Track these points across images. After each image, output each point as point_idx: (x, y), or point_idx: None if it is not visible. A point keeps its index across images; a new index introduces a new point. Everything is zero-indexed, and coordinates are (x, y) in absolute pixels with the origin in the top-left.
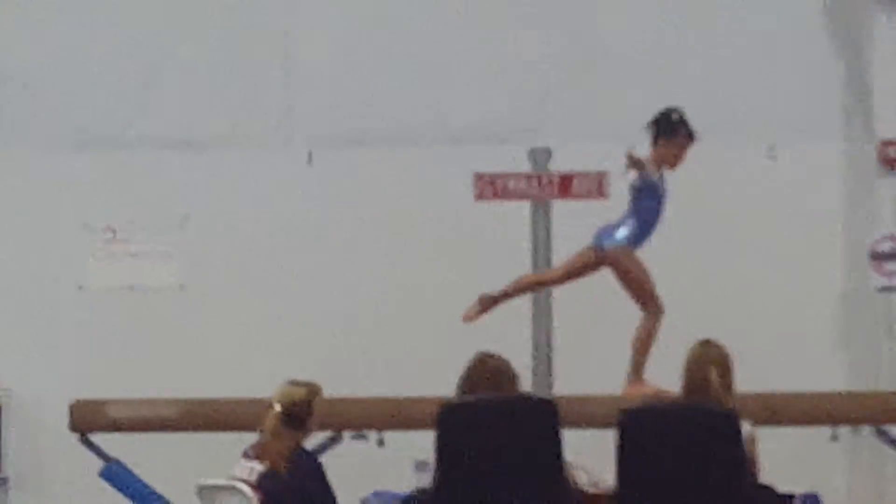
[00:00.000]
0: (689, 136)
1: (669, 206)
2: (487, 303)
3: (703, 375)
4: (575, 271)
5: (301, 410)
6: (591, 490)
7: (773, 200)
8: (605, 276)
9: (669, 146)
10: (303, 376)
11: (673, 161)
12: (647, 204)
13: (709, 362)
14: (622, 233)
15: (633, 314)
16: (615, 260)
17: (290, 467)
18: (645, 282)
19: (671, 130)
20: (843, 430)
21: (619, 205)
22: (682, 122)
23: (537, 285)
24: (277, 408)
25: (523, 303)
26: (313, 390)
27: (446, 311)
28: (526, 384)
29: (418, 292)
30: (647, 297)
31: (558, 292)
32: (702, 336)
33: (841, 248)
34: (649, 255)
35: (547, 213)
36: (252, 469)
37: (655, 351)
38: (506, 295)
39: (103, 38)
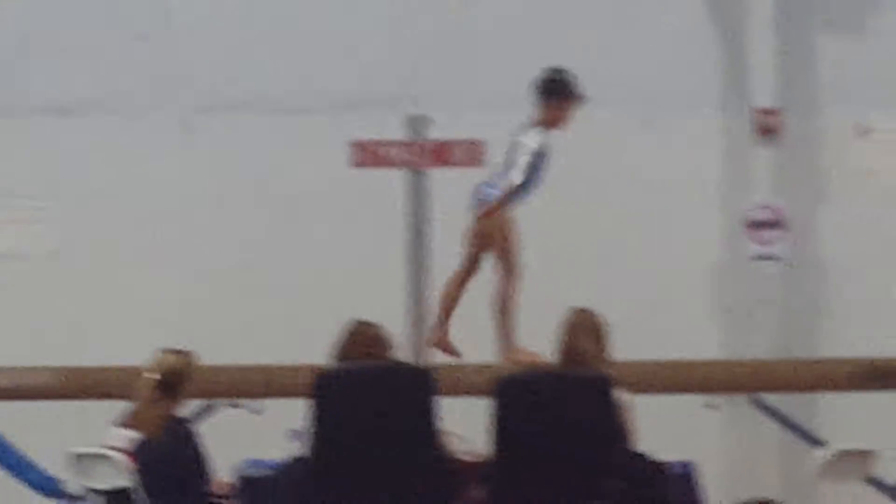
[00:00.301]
0: (577, 97)
1: (548, 175)
2: (440, 336)
3: (578, 343)
4: (474, 246)
5: (175, 378)
6: (466, 458)
7: (649, 170)
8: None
9: (556, 107)
10: (178, 344)
11: (561, 122)
12: (533, 165)
13: (583, 329)
14: (502, 189)
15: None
16: (490, 213)
17: (165, 435)
18: (513, 243)
19: (557, 91)
20: (719, 398)
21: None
22: (569, 82)
23: (460, 287)
24: (152, 376)
25: (397, 269)
26: (188, 358)
27: (322, 278)
28: (402, 352)
29: (295, 260)
30: (511, 260)
31: (433, 257)
32: (578, 304)
33: (717, 217)
34: (527, 223)
35: (424, 181)
36: (126, 437)
37: (531, 318)
38: (445, 318)
39: None
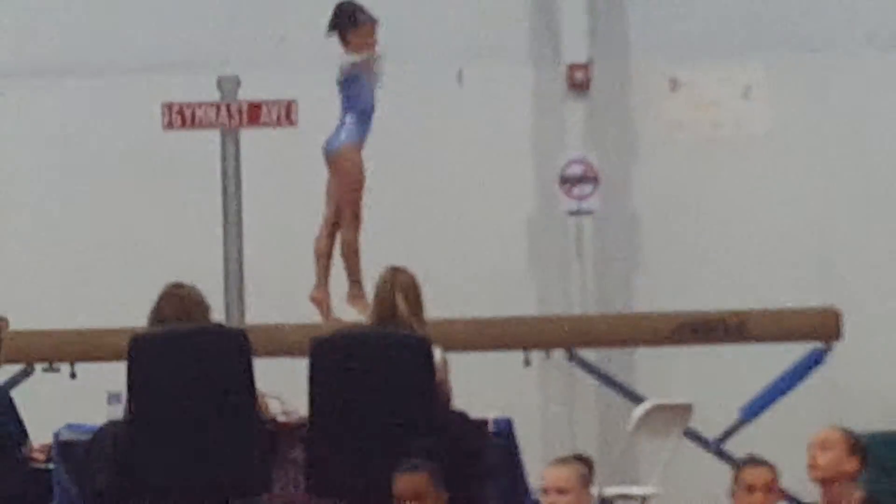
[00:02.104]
0: (372, 20)
1: (375, 137)
2: (357, 294)
3: (392, 301)
4: (353, 197)
5: None
6: (284, 419)
7: (462, 125)
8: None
9: (358, 36)
10: None
11: (368, 47)
12: (357, 94)
13: (397, 288)
14: (344, 133)
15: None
16: (338, 160)
17: None
18: (358, 189)
19: (353, 21)
20: (536, 355)
21: (307, 133)
22: (359, 9)
23: (354, 241)
24: None
25: (214, 230)
26: None
27: (138, 241)
28: (218, 314)
29: (109, 223)
30: (354, 205)
31: (247, 218)
32: (392, 262)
33: (531, 172)
34: None
35: (236, 142)
36: None
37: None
38: (355, 273)
39: None
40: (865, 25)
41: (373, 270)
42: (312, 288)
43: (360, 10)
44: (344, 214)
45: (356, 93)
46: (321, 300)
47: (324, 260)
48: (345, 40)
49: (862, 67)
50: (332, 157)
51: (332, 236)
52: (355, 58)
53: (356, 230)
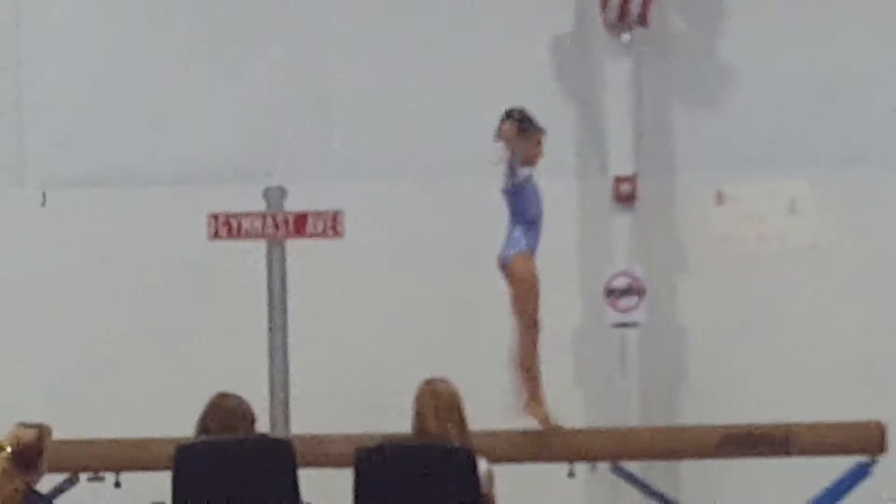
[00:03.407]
0: (541, 129)
1: (402, 244)
2: (536, 404)
3: (435, 414)
4: (528, 305)
5: (31, 452)
6: None
7: None
8: (333, 316)
9: (527, 143)
10: (38, 418)
11: (534, 157)
12: (525, 203)
13: (439, 401)
14: (515, 242)
15: (369, 350)
16: (514, 269)
17: None
18: (534, 296)
19: (525, 126)
20: (580, 466)
21: (354, 244)
22: (530, 117)
23: (533, 349)
24: (7, 450)
25: (259, 341)
26: (43, 431)
27: (184, 351)
28: (263, 424)
29: (157, 333)
30: (531, 312)
31: (293, 328)
32: (428, 375)
33: (577, 285)
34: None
35: (282, 252)
36: None
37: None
38: (533, 383)
39: None
40: None
41: (416, 382)
42: (525, 401)
43: (531, 118)
44: (520, 323)
45: (524, 201)
46: (536, 411)
47: (534, 371)
48: (521, 144)
49: None
50: (508, 270)
51: (536, 345)
52: (528, 171)
53: (534, 338)
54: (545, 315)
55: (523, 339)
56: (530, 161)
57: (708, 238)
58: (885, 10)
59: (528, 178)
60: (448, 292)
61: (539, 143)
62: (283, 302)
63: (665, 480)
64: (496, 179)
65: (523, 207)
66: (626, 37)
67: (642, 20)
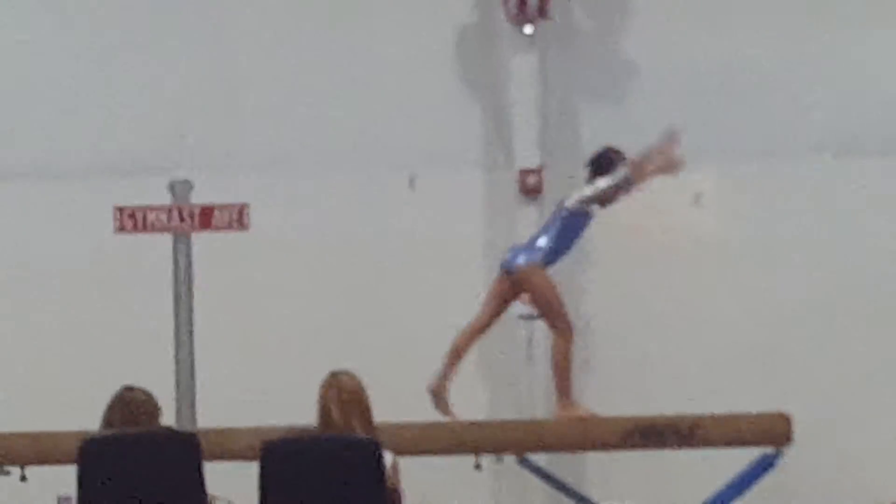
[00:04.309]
0: (618, 190)
1: (309, 237)
2: (440, 390)
3: (339, 406)
4: (496, 305)
5: None
6: None
7: (414, 229)
8: (240, 309)
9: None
10: None
11: (609, 202)
12: (573, 229)
13: (344, 392)
14: (533, 252)
15: (275, 343)
16: (525, 279)
17: None
18: (554, 301)
19: (611, 168)
20: (486, 459)
21: (260, 236)
22: (612, 160)
23: (472, 340)
24: None
25: (166, 334)
26: None
27: (89, 344)
28: (169, 418)
29: (62, 326)
30: (557, 316)
31: (199, 321)
32: (341, 366)
33: (482, 277)
34: (293, 282)
35: (188, 245)
36: None
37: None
38: (450, 369)
39: None
40: (815, 132)
41: (321, 375)
42: (434, 378)
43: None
44: (553, 329)
45: (572, 230)
46: (439, 392)
47: (456, 356)
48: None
49: (811, 174)
50: (515, 276)
51: (472, 339)
52: (597, 209)
53: (569, 340)
54: (449, 306)
55: (558, 343)
56: (604, 203)
57: (614, 230)
58: (787, 3)
59: (591, 215)
60: (354, 285)
61: (618, 199)
62: (190, 295)
63: (572, 472)
64: (405, 172)
65: (567, 234)
66: (528, 29)
67: (542, 12)
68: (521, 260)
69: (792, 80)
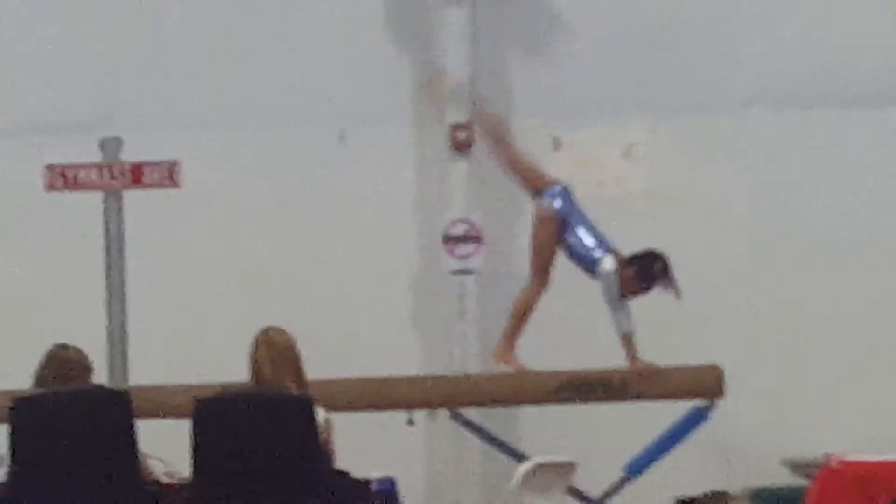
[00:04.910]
0: (647, 288)
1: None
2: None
3: (270, 363)
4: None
5: None
6: (167, 480)
7: (345, 185)
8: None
9: (633, 281)
10: None
11: (626, 291)
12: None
13: (275, 349)
14: (560, 201)
15: (207, 300)
16: (539, 217)
17: None
18: (548, 251)
19: (645, 274)
20: (419, 414)
21: (191, 193)
22: (654, 275)
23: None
24: None
25: (98, 292)
26: None
27: (21, 303)
28: (102, 375)
29: None
30: (541, 266)
31: (131, 279)
32: (272, 322)
33: (414, 232)
34: (224, 240)
35: (119, 203)
36: None
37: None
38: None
39: None
40: (747, 85)
41: (249, 332)
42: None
43: (660, 277)
44: (534, 276)
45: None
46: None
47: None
48: (629, 270)
49: (743, 127)
50: (538, 212)
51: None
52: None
53: (537, 294)
54: (380, 261)
55: (527, 291)
56: (627, 293)
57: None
58: None
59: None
60: (286, 242)
61: (638, 291)
62: (121, 252)
63: (504, 427)
64: (335, 127)
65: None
66: None
67: None
68: (549, 201)
69: (723, 32)
